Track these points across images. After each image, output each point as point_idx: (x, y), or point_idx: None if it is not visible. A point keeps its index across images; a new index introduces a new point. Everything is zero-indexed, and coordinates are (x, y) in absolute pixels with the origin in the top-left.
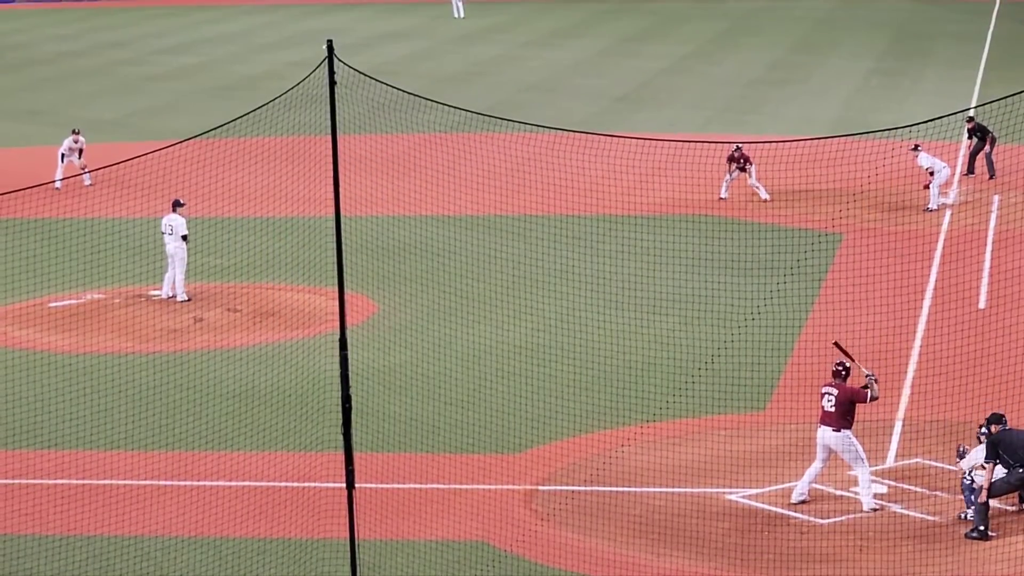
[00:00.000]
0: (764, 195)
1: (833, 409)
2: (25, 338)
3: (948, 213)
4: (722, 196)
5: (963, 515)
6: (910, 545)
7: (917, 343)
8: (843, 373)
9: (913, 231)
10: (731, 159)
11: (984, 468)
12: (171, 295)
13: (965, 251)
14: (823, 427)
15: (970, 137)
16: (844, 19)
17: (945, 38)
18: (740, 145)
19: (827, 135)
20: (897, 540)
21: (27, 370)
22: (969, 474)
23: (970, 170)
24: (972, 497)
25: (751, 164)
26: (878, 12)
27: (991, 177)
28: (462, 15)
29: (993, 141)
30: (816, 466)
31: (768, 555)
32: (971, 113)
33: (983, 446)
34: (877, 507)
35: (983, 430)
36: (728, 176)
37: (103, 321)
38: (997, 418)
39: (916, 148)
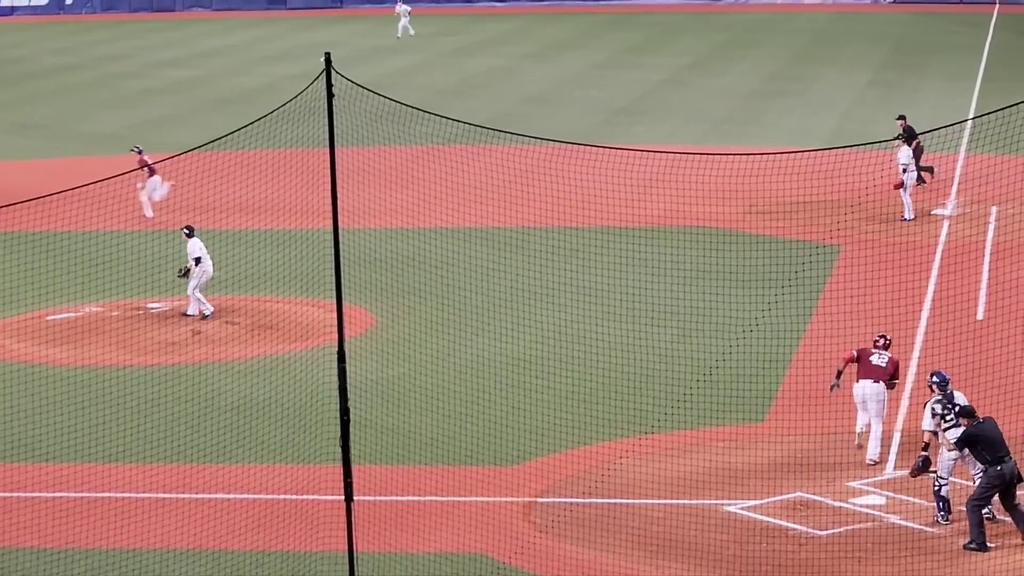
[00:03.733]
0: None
1: (883, 364)
2: (23, 351)
3: (946, 224)
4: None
5: (938, 519)
6: (908, 557)
7: (915, 354)
8: (887, 344)
9: (911, 242)
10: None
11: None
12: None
13: (963, 262)
14: (864, 381)
15: (903, 138)
16: (842, 31)
17: (943, 50)
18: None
19: (825, 147)
20: (895, 552)
21: (25, 383)
22: (937, 480)
23: (919, 179)
24: (941, 504)
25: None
26: (876, 24)
27: (918, 183)
28: (411, 32)
29: (920, 149)
30: (865, 419)
31: (766, 566)
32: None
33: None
34: (876, 461)
35: (934, 379)
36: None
37: (101, 334)
38: (969, 412)
39: (903, 139)
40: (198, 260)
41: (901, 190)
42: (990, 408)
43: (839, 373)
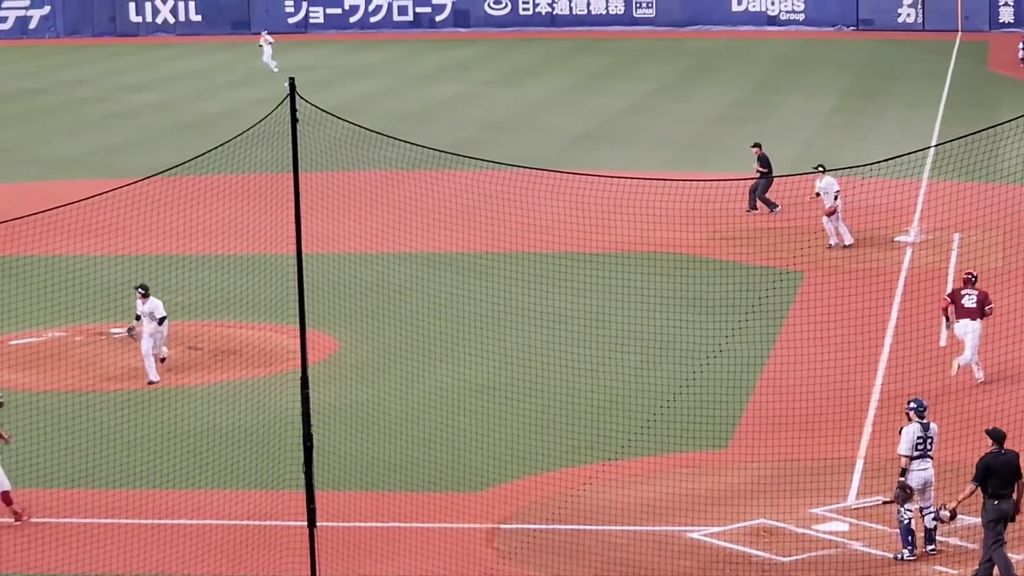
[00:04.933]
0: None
1: (974, 305)
2: None
3: (909, 251)
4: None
5: (899, 556)
6: None
7: (878, 381)
8: (973, 280)
9: (874, 269)
10: None
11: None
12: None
13: (926, 289)
14: (963, 320)
15: (762, 165)
16: (806, 58)
17: (906, 77)
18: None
19: (789, 173)
20: None
21: None
22: (906, 511)
23: (752, 206)
24: (909, 537)
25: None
26: (840, 51)
27: (751, 209)
28: (274, 69)
29: (770, 182)
30: (970, 351)
31: None
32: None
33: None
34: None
35: (912, 405)
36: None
37: (64, 359)
38: (1000, 436)
39: (820, 169)
40: (163, 319)
41: (832, 217)
42: (953, 435)
43: (946, 319)
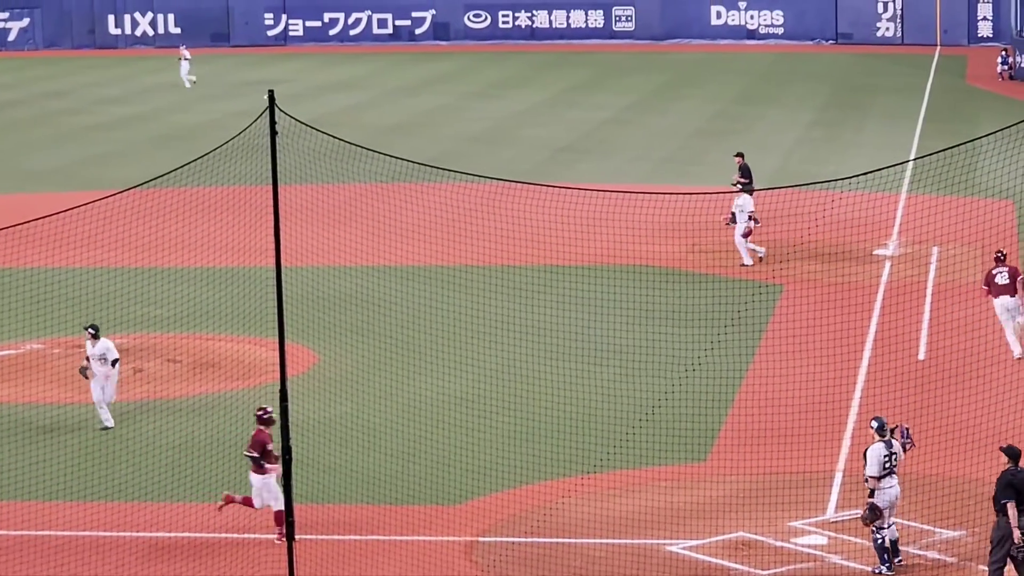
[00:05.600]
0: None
1: (1007, 282)
2: None
3: (888, 265)
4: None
5: (876, 570)
6: None
7: (857, 394)
8: (1003, 257)
9: (853, 282)
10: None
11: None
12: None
13: (905, 303)
14: (1002, 296)
15: (743, 176)
16: (785, 72)
17: (885, 91)
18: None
19: (768, 187)
20: None
21: None
22: (879, 531)
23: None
24: (885, 555)
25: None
26: (819, 65)
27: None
28: (187, 85)
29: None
30: (1013, 327)
31: None
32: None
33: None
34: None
35: (874, 424)
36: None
37: (42, 371)
38: (1015, 453)
39: (739, 185)
40: (115, 362)
41: (743, 238)
42: (931, 448)
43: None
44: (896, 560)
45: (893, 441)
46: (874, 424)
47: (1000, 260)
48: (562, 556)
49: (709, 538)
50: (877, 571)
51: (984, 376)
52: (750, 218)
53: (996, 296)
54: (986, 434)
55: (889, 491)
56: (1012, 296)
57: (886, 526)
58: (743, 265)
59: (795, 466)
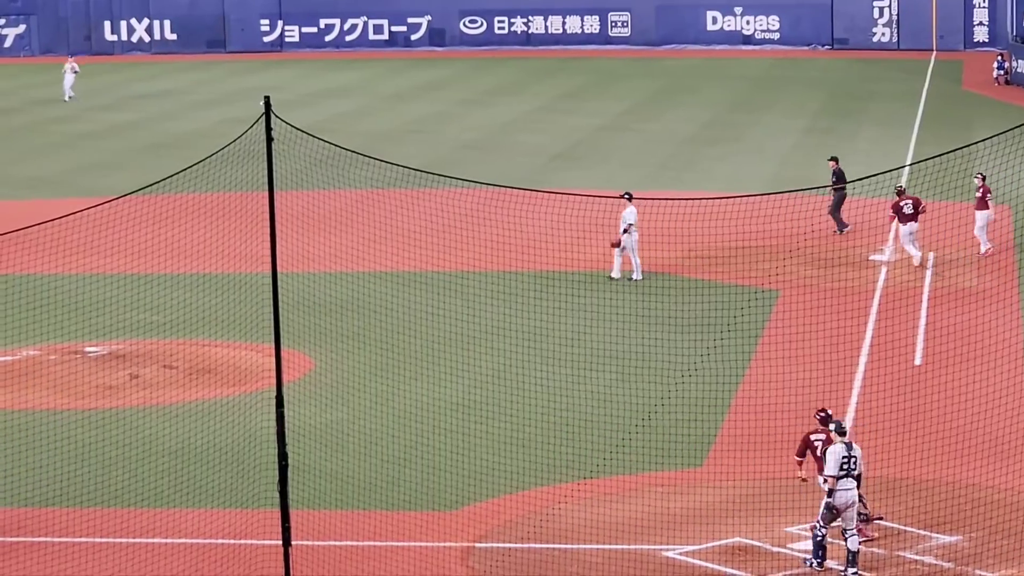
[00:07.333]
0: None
1: (912, 211)
2: None
3: (884, 270)
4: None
5: (808, 562)
6: None
7: (853, 399)
8: (903, 190)
9: (849, 287)
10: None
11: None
12: None
13: (901, 308)
14: (909, 223)
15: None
16: (780, 78)
17: (880, 97)
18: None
19: (763, 192)
20: None
21: None
22: (821, 529)
23: (838, 223)
24: (820, 552)
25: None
26: (813, 71)
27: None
28: (66, 99)
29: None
30: (915, 245)
31: None
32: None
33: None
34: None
35: (831, 427)
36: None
37: (38, 377)
38: None
39: (627, 197)
40: None
41: (616, 249)
42: (927, 453)
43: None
44: (851, 572)
45: (854, 444)
46: (832, 426)
47: (901, 193)
48: (558, 562)
49: (706, 543)
50: (809, 563)
51: (980, 381)
52: (624, 230)
53: (904, 223)
54: (982, 439)
55: (845, 493)
56: (916, 222)
57: (841, 528)
58: (611, 278)
59: (792, 471)
